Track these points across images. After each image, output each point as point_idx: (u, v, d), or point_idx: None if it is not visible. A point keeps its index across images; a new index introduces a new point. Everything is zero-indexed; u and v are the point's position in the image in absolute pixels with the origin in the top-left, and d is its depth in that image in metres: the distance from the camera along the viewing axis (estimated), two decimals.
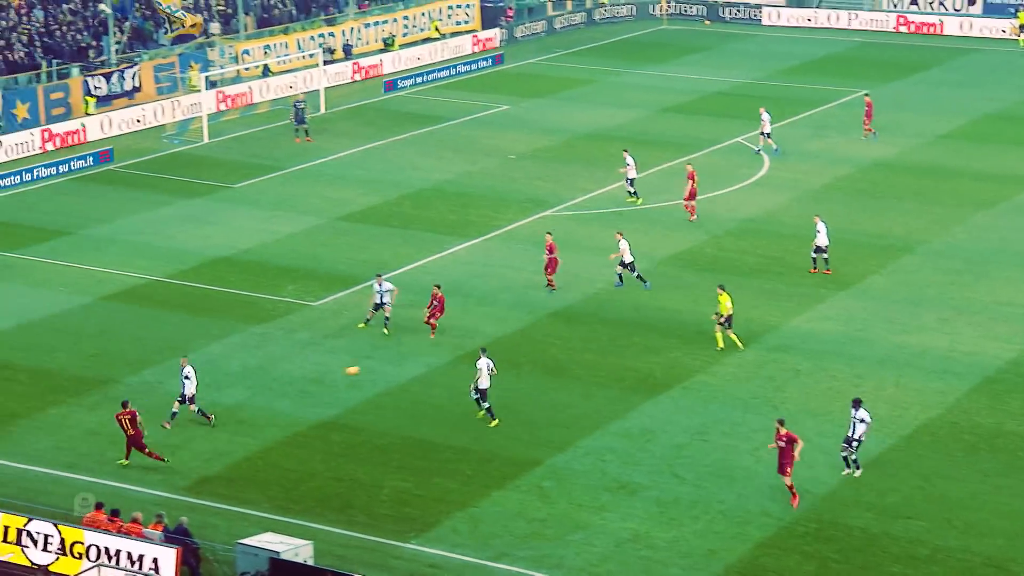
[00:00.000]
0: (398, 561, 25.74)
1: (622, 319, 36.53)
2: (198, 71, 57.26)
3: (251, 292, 38.24)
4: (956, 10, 74.04)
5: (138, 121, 54.79)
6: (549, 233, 38.70)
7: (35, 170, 48.65)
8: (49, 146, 51.81)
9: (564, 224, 43.93)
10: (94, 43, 56.95)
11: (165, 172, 49.74)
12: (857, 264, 40.54)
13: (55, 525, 24.68)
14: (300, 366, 33.66)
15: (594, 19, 75.97)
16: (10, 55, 53.82)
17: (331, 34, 65.06)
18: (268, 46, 61.97)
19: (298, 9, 65.97)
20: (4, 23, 54.84)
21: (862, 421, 28.43)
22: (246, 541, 24.63)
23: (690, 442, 30.23)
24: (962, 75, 64.34)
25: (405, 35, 68.66)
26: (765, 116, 51.17)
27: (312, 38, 63.89)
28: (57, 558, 24.47)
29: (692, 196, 43.74)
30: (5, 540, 24.86)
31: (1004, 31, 71.63)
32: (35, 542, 24.60)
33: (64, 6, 57.47)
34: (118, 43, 57.15)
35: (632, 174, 45.33)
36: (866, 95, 54.48)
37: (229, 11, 63.44)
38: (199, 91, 55.41)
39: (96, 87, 54.91)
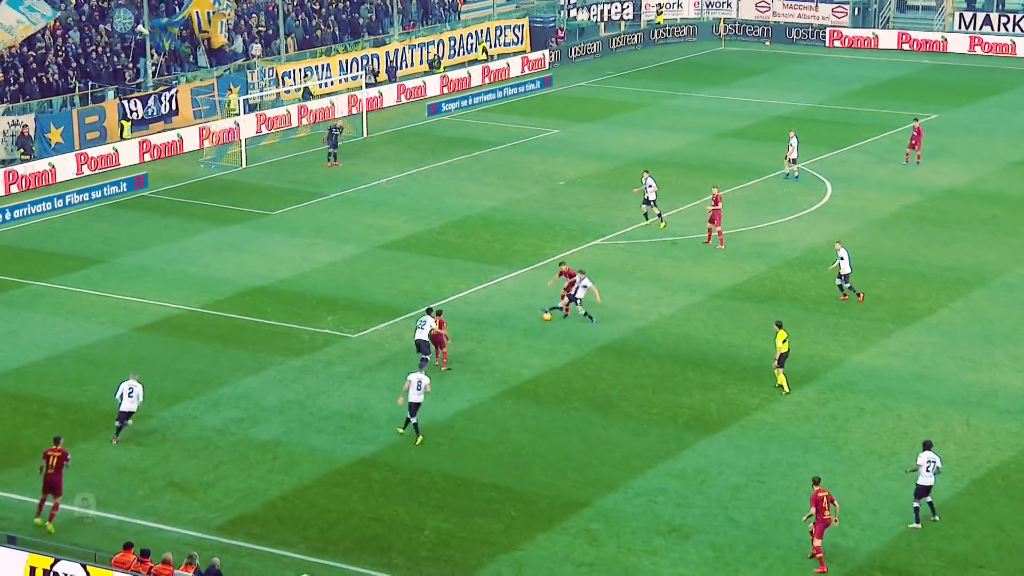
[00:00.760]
0: None
1: (675, 353, 36.36)
2: (237, 94, 57.79)
3: (288, 323, 38.41)
4: None
5: (175, 145, 55.36)
6: (562, 264, 39.28)
7: (67, 196, 49.21)
8: (85, 169, 52.40)
9: (614, 254, 43.85)
10: (131, 65, 57.62)
11: (201, 198, 50.16)
12: (925, 297, 40.16)
13: (83, 566, 24.77)
14: (339, 400, 33.73)
15: (652, 39, 76.06)
16: (45, 78, 54.55)
17: (375, 56, 65.52)
18: (309, 68, 62.48)
19: (341, 30, 66.51)
20: (39, 44, 55.55)
21: (933, 463, 28.03)
22: None
23: (747, 484, 29.98)
24: None
25: (451, 56, 69.06)
26: (793, 140, 51.02)
27: (355, 60, 64.37)
28: None
29: (715, 221, 43.76)
30: None
31: None
32: None
33: (101, 27, 58.17)
34: (154, 65, 57.81)
35: (652, 196, 45.56)
36: (915, 120, 54.09)
37: (270, 32, 64.05)
38: (238, 114, 55.92)
39: (132, 110, 55.53)
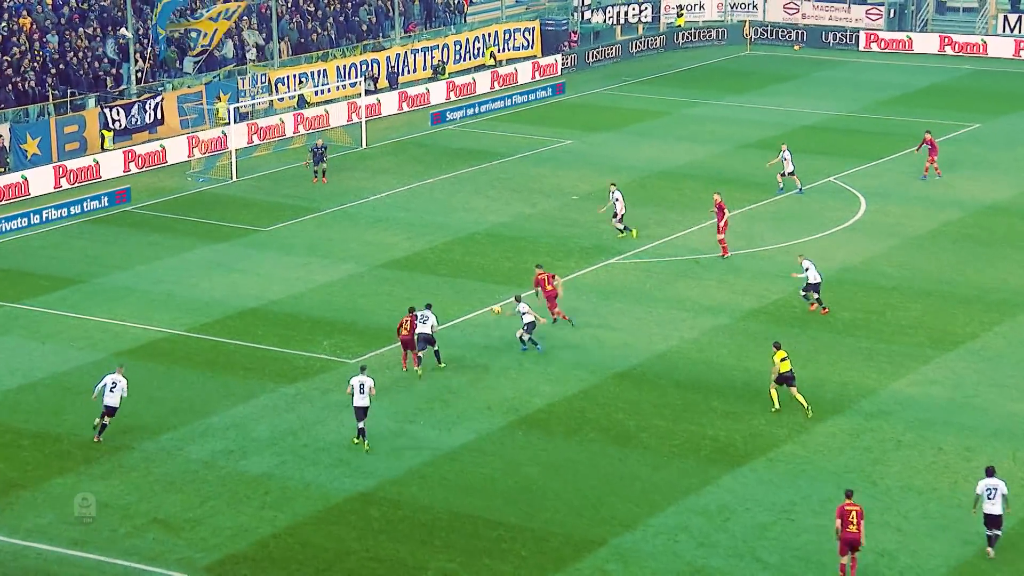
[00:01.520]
0: None
1: (698, 380, 36.30)
2: (226, 102, 57.96)
3: (282, 348, 38.41)
4: None
5: (159, 157, 55.52)
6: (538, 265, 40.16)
7: (44, 211, 49.32)
8: (63, 183, 52.53)
9: (631, 274, 43.83)
10: (113, 71, 57.79)
11: (188, 214, 50.25)
12: (967, 321, 40.06)
13: None
14: (335, 431, 33.70)
15: (676, 43, 76.18)
16: (20, 84, 54.70)
17: (375, 61, 65.71)
18: (304, 74, 62.66)
19: (338, 34, 66.70)
20: (15, 49, 55.75)
21: (995, 490, 28.05)
22: None
23: (775, 521, 29.88)
24: None
25: (457, 62, 69.23)
26: (786, 154, 50.99)
27: (353, 65, 64.57)
28: None
29: (720, 229, 44.31)
30: None
31: None
32: None
33: (80, 30, 58.37)
34: (139, 71, 58.01)
35: (620, 210, 45.85)
36: (927, 132, 53.95)
37: (262, 36, 64.18)
38: (227, 124, 56.09)
39: (114, 119, 55.68)
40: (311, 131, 59.81)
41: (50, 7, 59.14)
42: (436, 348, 36.64)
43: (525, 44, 72.61)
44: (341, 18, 67.50)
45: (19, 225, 48.44)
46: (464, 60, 69.68)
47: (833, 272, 43.87)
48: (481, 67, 69.64)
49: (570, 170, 55.05)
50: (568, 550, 28.73)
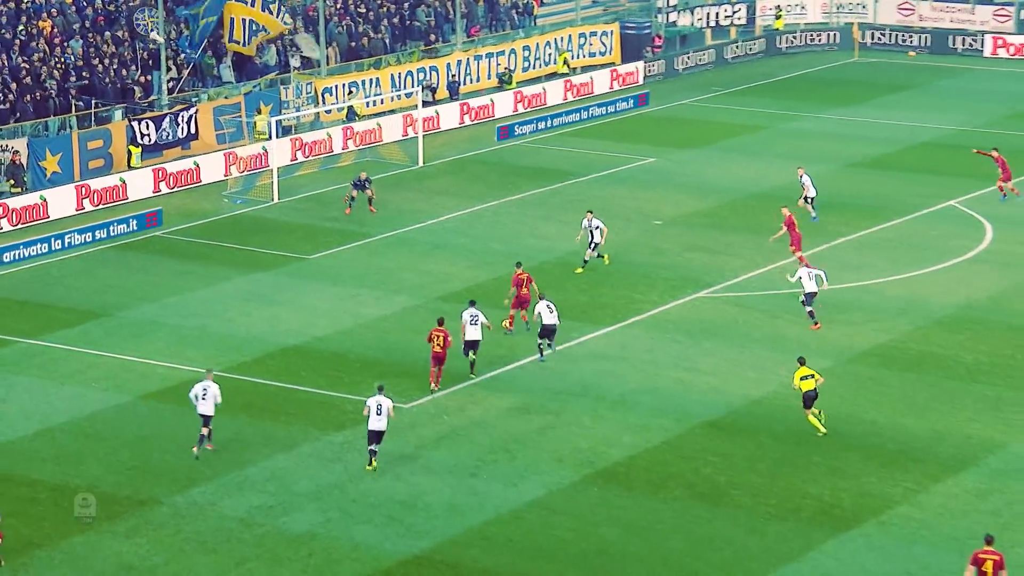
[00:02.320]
0: None
1: (799, 431, 36.10)
2: (268, 114, 58.47)
3: (328, 391, 38.57)
4: None
5: (193, 176, 56.07)
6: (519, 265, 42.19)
7: (65, 236, 49.90)
8: (86, 204, 53.15)
9: (723, 309, 43.68)
10: (142, 79, 58.46)
11: (224, 239, 50.66)
12: None
13: None
14: (388, 485, 33.78)
15: (778, 47, 76.03)
16: (39, 95, 55.44)
17: (433, 68, 66.10)
18: (355, 84, 63.13)
19: (393, 38, 67.15)
20: (34, 55, 56.52)
21: None
22: None
23: None
24: None
25: (525, 70, 69.48)
26: (805, 179, 50.59)
27: (409, 73, 64.97)
28: None
29: (798, 245, 44.85)
30: None
31: None
32: None
33: (107, 33, 59.13)
34: (171, 79, 58.64)
35: (599, 239, 46.17)
36: (994, 149, 53.51)
37: (311, 36, 64.64)
38: (268, 139, 56.57)
39: (143, 134, 56.31)
40: (361, 147, 60.22)
41: (72, 9, 59.90)
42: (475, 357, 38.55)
43: (603, 49, 72.78)
44: (396, 20, 67.94)
45: (37, 251, 49.00)
46: (534, 67, 69.93)
47: (955, 309, 43.50)
48: (553, 75, 69.85)
49: (652, 192, 54.99)
50: None
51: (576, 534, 31.75)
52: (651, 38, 74.03)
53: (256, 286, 46.19)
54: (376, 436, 33.95)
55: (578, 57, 71.60)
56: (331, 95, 62.26)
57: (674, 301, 44.40)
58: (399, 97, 63.77)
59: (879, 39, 76.83)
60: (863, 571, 30.41)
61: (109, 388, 38.83)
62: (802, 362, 35.84)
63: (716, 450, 35.32)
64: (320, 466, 34.65)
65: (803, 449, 35.26)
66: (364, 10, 67.32)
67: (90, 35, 58.94)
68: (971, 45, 75.39)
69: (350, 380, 39.11)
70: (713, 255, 48.20)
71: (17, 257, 48.46)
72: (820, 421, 35.67)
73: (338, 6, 66.71)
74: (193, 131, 57.86)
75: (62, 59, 57.05)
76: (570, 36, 71.55)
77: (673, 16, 75.62)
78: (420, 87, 63.25)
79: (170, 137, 57.21)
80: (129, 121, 56.20)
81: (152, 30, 58.50)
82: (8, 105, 54.60)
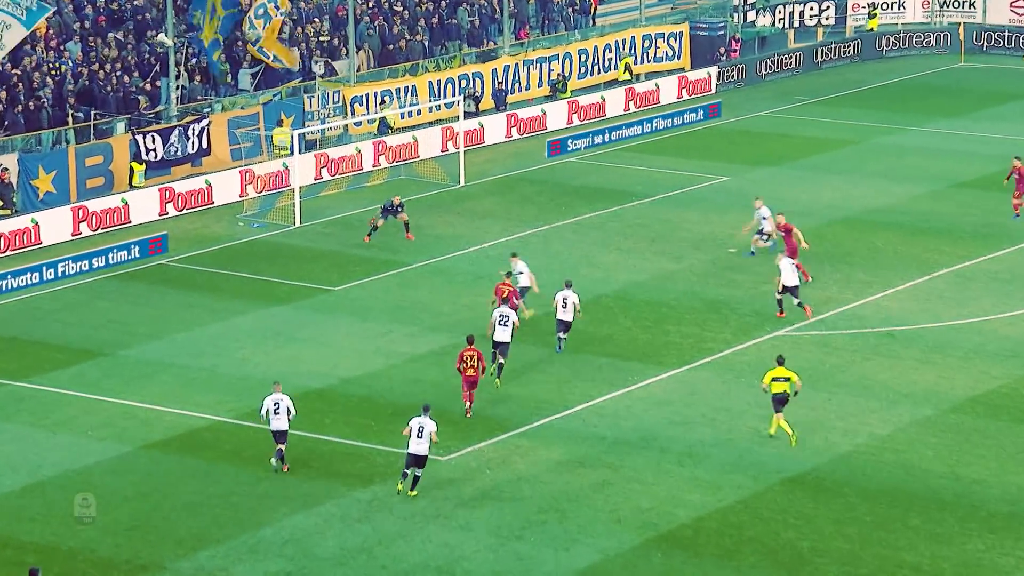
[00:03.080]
0: None
1: (894, 491, 35.90)
2: (289, 127, 58.70)
3: (355, 440, 38.59)
4: None
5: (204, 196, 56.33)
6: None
7: (59, 264, 50.15)
8: (84, 228, 53.44)
9: (807, 350, 43.52)
10: (147, 87, 58.77)
11: (239, 268, 50.84)
12: None
13: None
14: (421, 548, 33.75)
15: (878, 50, 75.85)
16: (31, 104, 55.79)
17: (477, 75, 66.26)
18: (388, 92, 63.34)
19: (432, 41, 67.35)
20: (26, 59, 56.89)
21: None
22: None
23: None
24: None
25: (581, 76, 69.58)
26: (764, 211, 50.15)
27: (450, 80, 65.16)
28: None
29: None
30: None
31: None
32: None
33: (110, 35, 59.48)
34: (180, 87, 58.94)
35: (527, 283, 45.29)
36: (1016, 159, 53.39)
37: (336, 42, 64.91)
38: (290, 154, 56.78)
39: (148, 149, 56.55)
40: (394, 163, 60.37)
41: (70, 8, 60.32)
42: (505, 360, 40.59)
43: (670, 54, 72.86)
44: (435, 20, 68.17)
45: (27, 282, 49.25)
46: (591, 74, 70.06)
47: None
48: (613, 83, 69.93)
49: (725, 215, 54.89)
50: None
51: None
52: (726, 40, 74.03)
53: (274, 321, 46.30)
54: (415, 460, 34.86)
55: (642, 62, 71.69)
56: (361, 105, 62.50)
57: (750, 340, 44.26)
58: (438, 107, 63.96)
59: (993, 42, 76.47)
60: None
61: (107, 437, 38.93)
62: (780, 362, 37.20)
63: (798, 511, 35.13)
64: (345, 527, 34.62)
65: (898, 511, 35.06)
66: (399, 8, 67.51)
67: (90, 38, 59.34)
68: None
69: (380, 428, 39.11)
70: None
71: (5, 288, 48.72)
72: (791, 431, 37.09)
73: (370, 5, 66.94)
74: (205, 146, 58.13)
75: (58, 64, 57.44)
76: (633, 38, 71.65)
77: (751, 16, 75.56)
78: (462, 96, 63.40)
79: (179, 152, 57.46)
80: (133, 134, 56.49)
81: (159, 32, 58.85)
82: None
